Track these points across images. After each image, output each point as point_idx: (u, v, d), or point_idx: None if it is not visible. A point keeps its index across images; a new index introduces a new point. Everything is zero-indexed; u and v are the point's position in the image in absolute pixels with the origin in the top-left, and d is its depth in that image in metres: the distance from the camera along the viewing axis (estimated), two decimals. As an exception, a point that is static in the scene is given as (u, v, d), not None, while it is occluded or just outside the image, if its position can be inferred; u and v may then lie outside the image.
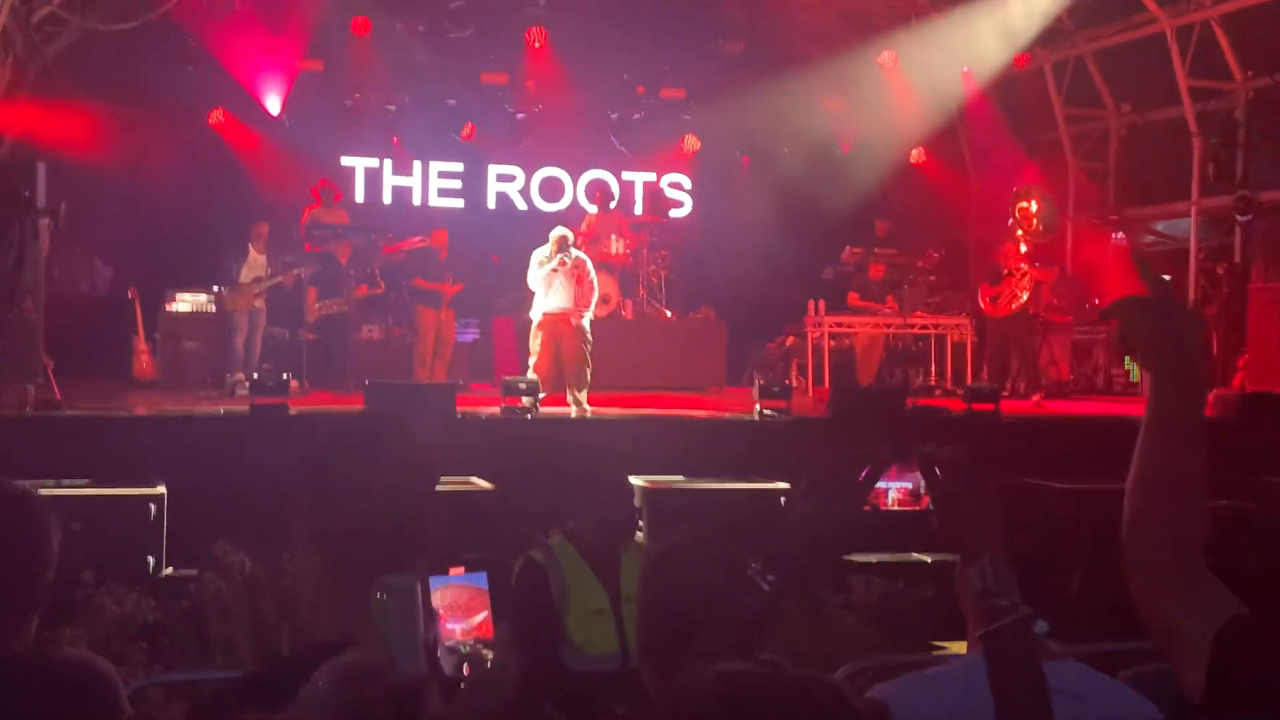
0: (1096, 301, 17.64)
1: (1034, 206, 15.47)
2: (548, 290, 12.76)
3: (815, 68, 18.98)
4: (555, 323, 12.72)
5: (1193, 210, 17.68)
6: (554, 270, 12.69)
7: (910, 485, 2.50)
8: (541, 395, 11.45)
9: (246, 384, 11.51)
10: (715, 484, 9.51)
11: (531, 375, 12.14)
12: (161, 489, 8.46)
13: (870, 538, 6.94)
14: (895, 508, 2.57)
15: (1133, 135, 18.99)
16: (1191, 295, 17.46)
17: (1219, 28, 16.54)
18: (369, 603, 2.25)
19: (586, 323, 12.86)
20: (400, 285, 15.51)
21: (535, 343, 12.79)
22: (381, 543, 2.35)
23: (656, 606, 2.70)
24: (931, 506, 2.49)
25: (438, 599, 2.51)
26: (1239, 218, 16.80)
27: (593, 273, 13.08)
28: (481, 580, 2.61)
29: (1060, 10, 17.32)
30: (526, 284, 13.02)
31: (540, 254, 12.84)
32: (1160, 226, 19.36)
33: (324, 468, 2.43)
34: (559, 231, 13.03)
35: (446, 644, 2.47)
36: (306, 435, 9.55)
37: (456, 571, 2.59)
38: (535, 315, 12.87)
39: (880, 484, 2.56)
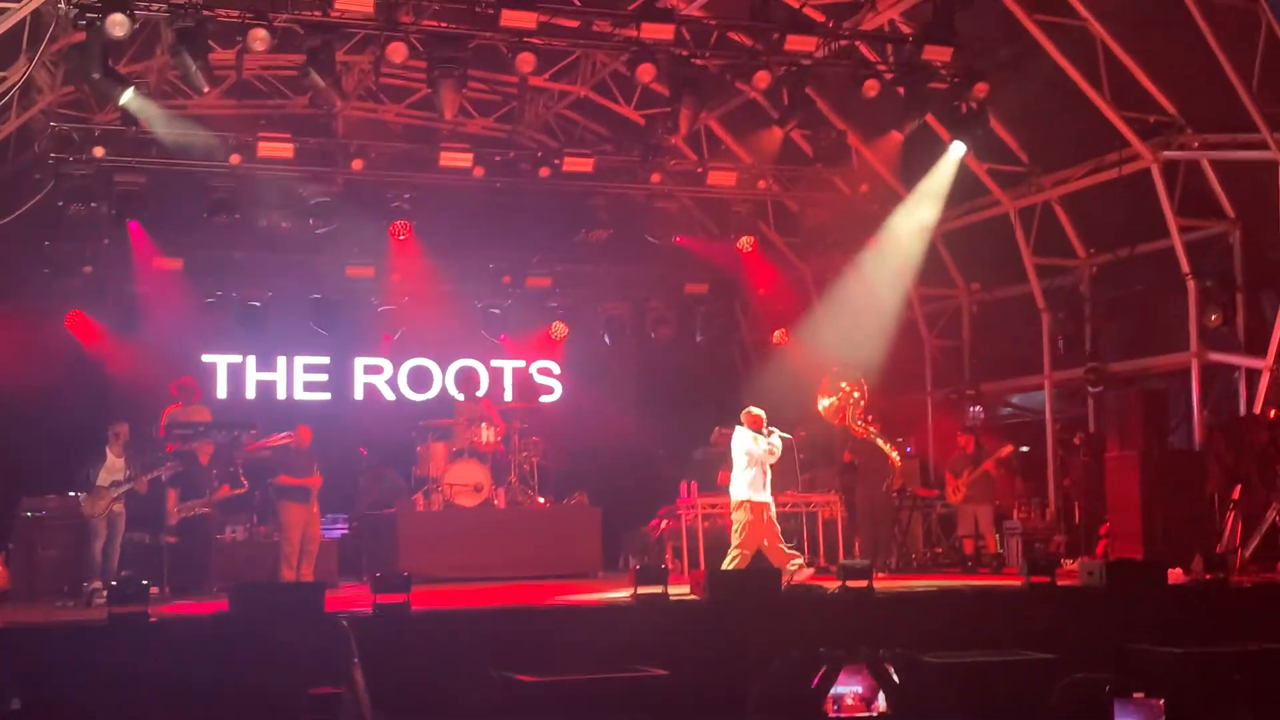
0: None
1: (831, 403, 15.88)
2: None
3: (677, 254, 19.43)
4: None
5: (1046, 383, 18.26)
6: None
7: (862, 689, 2.39)
8: None
9: (105, 592, 11.08)
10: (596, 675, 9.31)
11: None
12: (16, 705, 8.04)
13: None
14: (847, 715, 2.42)
15: (984, 312, 19.63)
16: (1050, 466, 17.92)
17: (1059, 207, 17.32)
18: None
19: None
20: (265, 483, 15.19)
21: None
22: None
23: None
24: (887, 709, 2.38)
25: None
26: (1090, 389, 17.39)
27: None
28: None
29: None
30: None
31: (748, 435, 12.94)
32: (1016, 399, 19.91)
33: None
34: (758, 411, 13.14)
35: None
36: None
37: None
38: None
39: (833, 687, 2.42)
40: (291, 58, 14.52)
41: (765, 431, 12.92)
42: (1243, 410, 15.43)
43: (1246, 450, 14.91)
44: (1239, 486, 15.00)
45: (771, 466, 12.95)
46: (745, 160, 18.37)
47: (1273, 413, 15.05)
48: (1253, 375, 15.34)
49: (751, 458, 12.81)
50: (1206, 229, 15.94)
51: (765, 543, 12.74)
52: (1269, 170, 14.68)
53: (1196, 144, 15.40)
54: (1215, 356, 15.87)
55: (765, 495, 12.84)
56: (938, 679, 9.19)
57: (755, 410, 13.09)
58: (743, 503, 12.76)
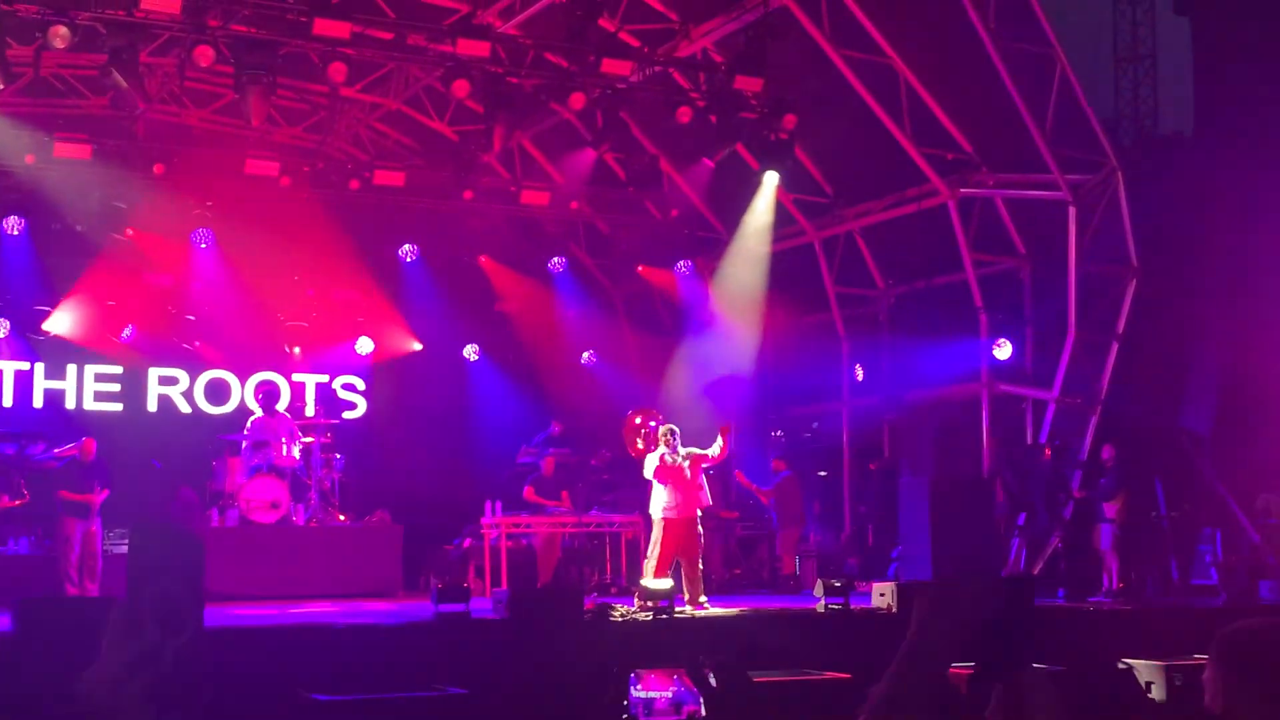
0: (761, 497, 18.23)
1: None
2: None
3: (488, 272, 19.39)
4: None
5: (844, 409, 18.72)
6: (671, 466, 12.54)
7: (671, 694, 2.44)
8: None
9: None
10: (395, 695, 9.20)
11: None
12: None
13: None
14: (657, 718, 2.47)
15: (788, 338, 20.00)
16: (845, 491, 18.36)
17: (861, 239, 17.82)
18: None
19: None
20: (50, 496, 14.60)
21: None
22: None
23: None
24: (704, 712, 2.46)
25: None
26: (885, 416, 17.91)
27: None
28: None
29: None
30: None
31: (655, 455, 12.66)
32: (816, 424, 20.35)
33: None
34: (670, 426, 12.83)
35: None
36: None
37: None
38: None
39: (640, 692, 2.48)
40: (93, 57, 14.02)
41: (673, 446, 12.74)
42: (1029, 440, 16.07)
43: (1032, 478, 15.53)
44: (1024, 513, 15.62)
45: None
46: (558, 181, 18.43)
47: (1057, 442, 15.72)
48: (1039, 406, 15.99)
49: (661, 474, 12.70)
50: (999, 264, 16.58)
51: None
52: (1059, 210, 15.37)
53: (991, 182, 16.01)
54: (1004, 387, 16.49)
55: (674, 512, 12.63)
56: (760, 695, 9.33)
57: (661, 429, 12.93)
58: (658, 521, 12.74)
